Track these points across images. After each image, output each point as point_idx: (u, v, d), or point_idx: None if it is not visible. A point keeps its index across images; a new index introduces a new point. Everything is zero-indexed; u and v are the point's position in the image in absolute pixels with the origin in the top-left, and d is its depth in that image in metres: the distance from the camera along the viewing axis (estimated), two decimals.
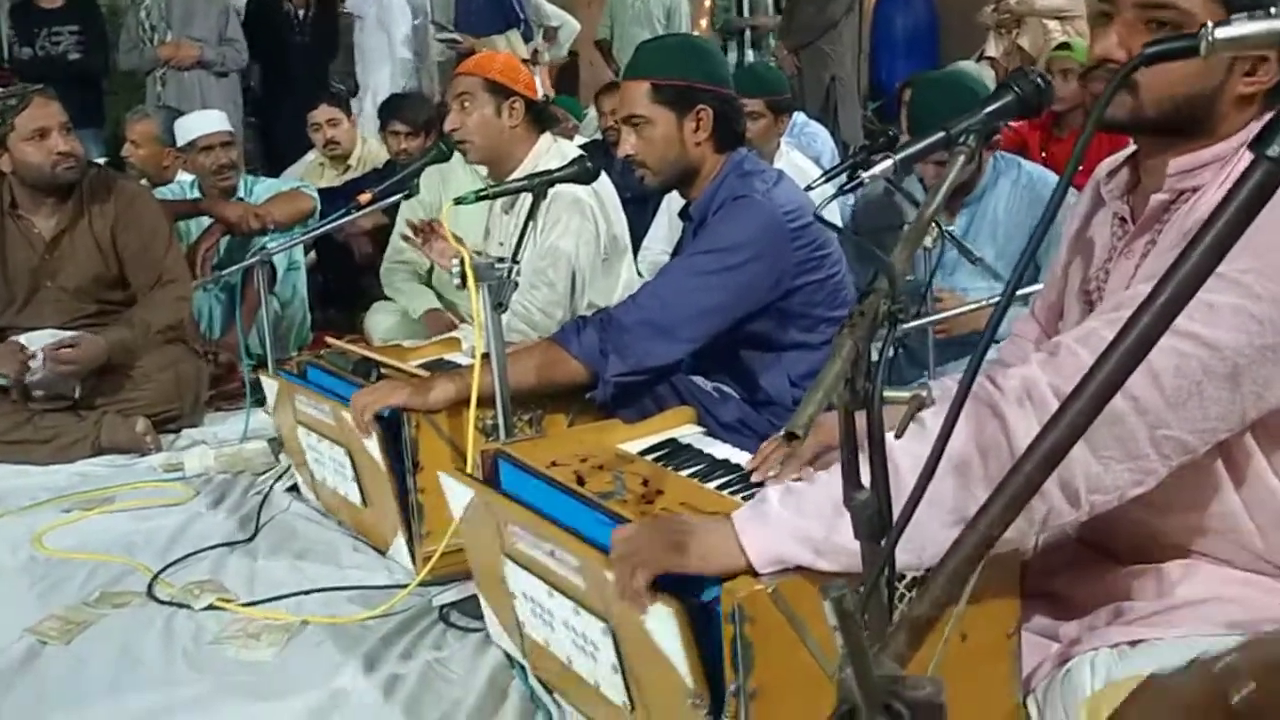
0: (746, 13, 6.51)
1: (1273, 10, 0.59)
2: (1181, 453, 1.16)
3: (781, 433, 1.67)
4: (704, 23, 7.10)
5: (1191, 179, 1.27)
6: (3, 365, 2.86)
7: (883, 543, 1.03)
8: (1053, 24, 6.09)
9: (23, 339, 2.95)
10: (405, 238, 3.11)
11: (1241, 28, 0.60)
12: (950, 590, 0.69)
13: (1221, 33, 0.61)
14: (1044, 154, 4.09)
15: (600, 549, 1.35)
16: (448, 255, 2.76)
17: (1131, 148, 1.41)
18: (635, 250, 3.34)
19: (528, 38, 6.31)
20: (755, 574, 1.23)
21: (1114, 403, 1.11)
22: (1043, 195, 2.67)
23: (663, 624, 1.25)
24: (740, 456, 1.75)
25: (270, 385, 2.48)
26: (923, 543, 1.16)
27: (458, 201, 2.10)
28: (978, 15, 6.41)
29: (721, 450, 1.78)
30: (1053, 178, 2.80)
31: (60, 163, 2.98)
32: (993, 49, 6.19)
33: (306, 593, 2.01)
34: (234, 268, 2.86)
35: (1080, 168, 0.99)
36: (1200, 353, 1.12)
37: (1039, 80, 1.32)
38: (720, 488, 1.63)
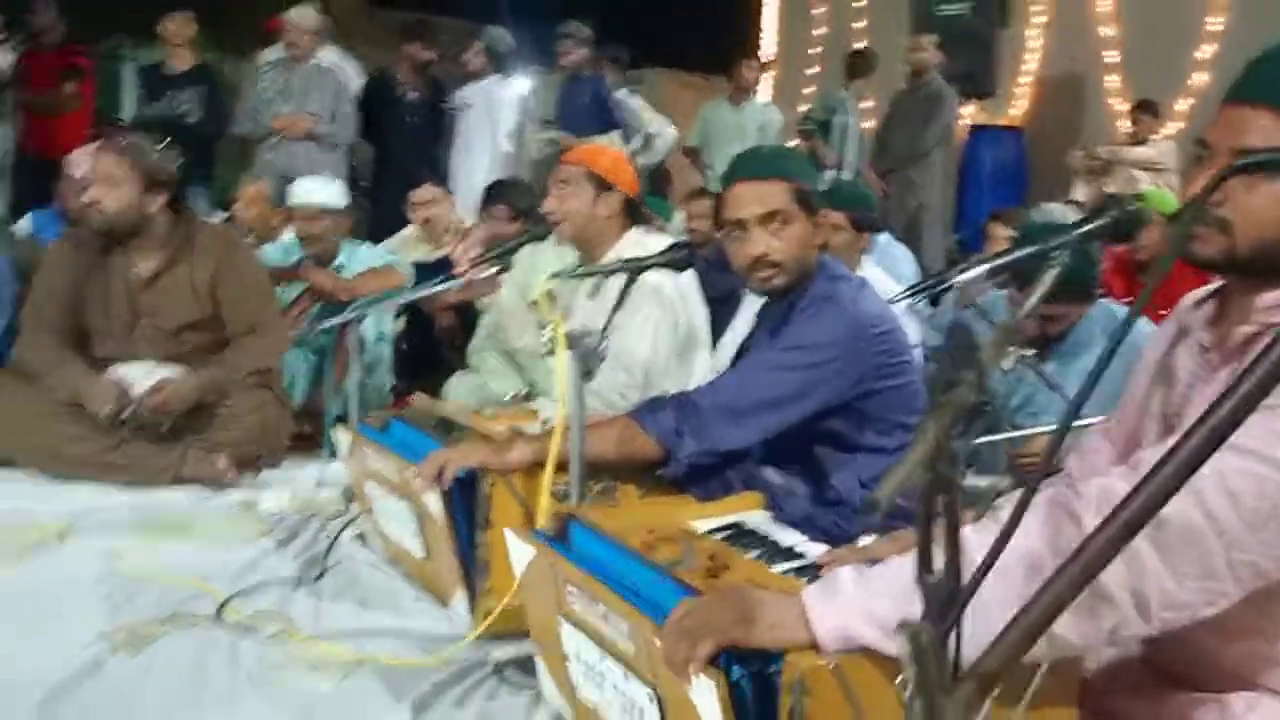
0: (836, 143, 6.70)
1: None
2: (1255, 577, 1.17)
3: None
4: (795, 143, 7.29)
5: (1279, 314, 1.31)
6: (105, 402, 2.99)
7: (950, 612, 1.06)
8: (1141, 174, 6.17)
9: (123, 370, 3.09)
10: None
11: None
12: (1019, 645, 0.72)
13: None
14: (1129, 299, 4.12)
15: (650, 617, 1.37)
16: (485, 286, 2.79)
17: (1218, 282, 1.45)
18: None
19: (626, 139, 6.54)
20: (819, 650, 1.25)
21: (1193, 521, 1.15)
22: (1135, 343, 2.67)
23: (706, 696, 1.25)
24: (806, 545, 1.78)
25: (342, 438, 2.56)
26: (992, 637, 1.18)
27: (554, 275, 2.20)
28: (1067, 158, 6.51)
29: (788, 538, 1.81)
30: (1147, 326, 2.81)
31: (85, 209, 3.16)
32: (1080, 193, 6.27)
33: (369, 634, 2.05)
34: (332, 321, 2.98)
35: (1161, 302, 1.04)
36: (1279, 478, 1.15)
37: (1132, 206, 1.39)
38: (785, 572, 1.65)
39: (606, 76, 6.60)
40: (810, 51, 9.24)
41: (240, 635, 2.02)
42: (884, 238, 4.87)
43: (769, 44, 9.71)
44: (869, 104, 7.34)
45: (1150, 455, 1.25)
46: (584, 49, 6.51)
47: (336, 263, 4.01)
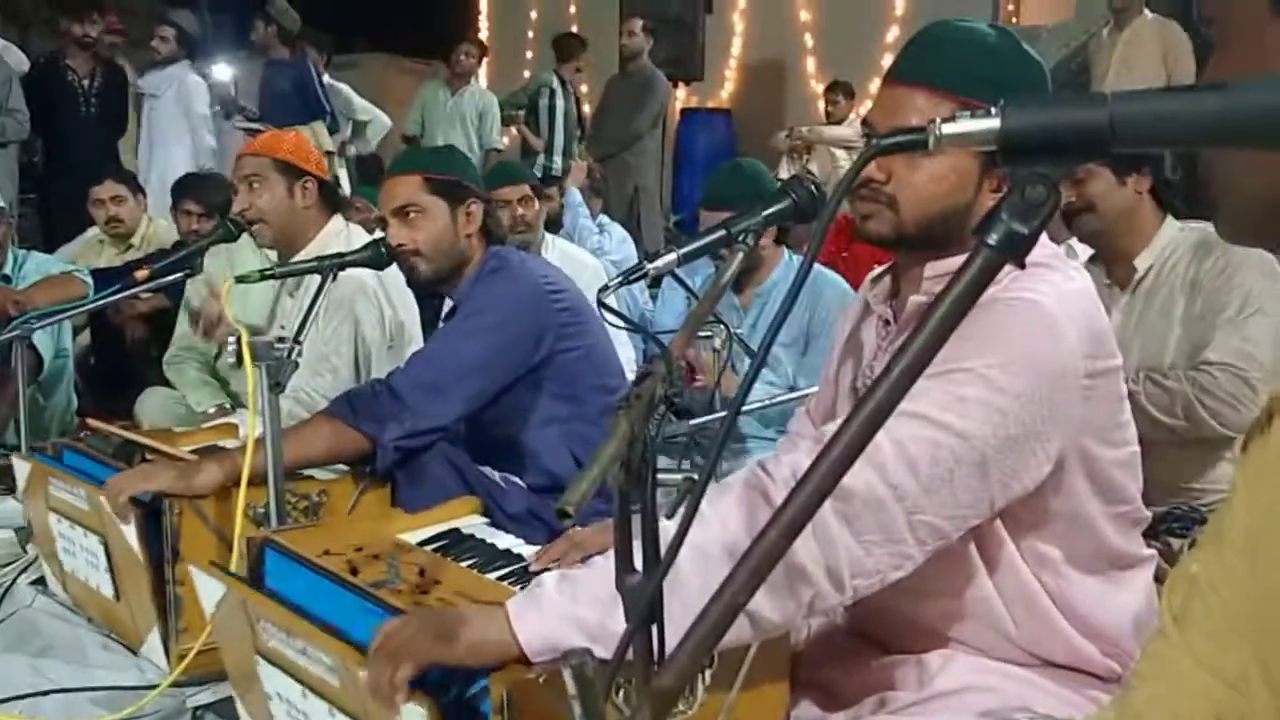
0: (544, 127, 6.73)
1: (992, 110, 0.64)
2: (936, 538, 1.21)
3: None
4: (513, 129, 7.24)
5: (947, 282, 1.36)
6: None
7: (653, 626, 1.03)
8: (840, 153, 6.54)
9: None
10: (193, 316, 2.97)
11: (965, 124, 0.65)
12: (695, 659, 0.68)
13: (948, 128, 0.65)
14: (845, 255, 4.34)
15: (358, 645, 1.28)
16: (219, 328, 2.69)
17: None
18: None
19: (333, 130, 6.26)
20: (528, 663, 1.20)
21: (877, 491, 1.17)
22: (821, 290, 2.83)
23: None
24: (523, 547, 1.72)
25: (21, 468, 2.28)
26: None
27: (240, 280, 2.03)
28: (771, 140, 6.81)
29: (504, 541, 1.75)
30: (831, 275, 2.98)
31: None
32: (784, 172, 6.57)
33: (44, 693, 1.83)
34: None
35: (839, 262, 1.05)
36: (952, 442, 1.19)
37: (813, 187, 1.41)
38: (501, 579, 1.59)
39: (312, 61, 6.28)
40: (528, 35, 9.21)
41: None
42: (604, 217, 4.98)
43: (485, 29, 9.60)
44: (584, 89, 7.39)
45: (833, 428, 1.28)
46: (270, 26, 6.18)
47: (3, 274, 3.57)
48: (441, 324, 2.40)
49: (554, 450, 2.21)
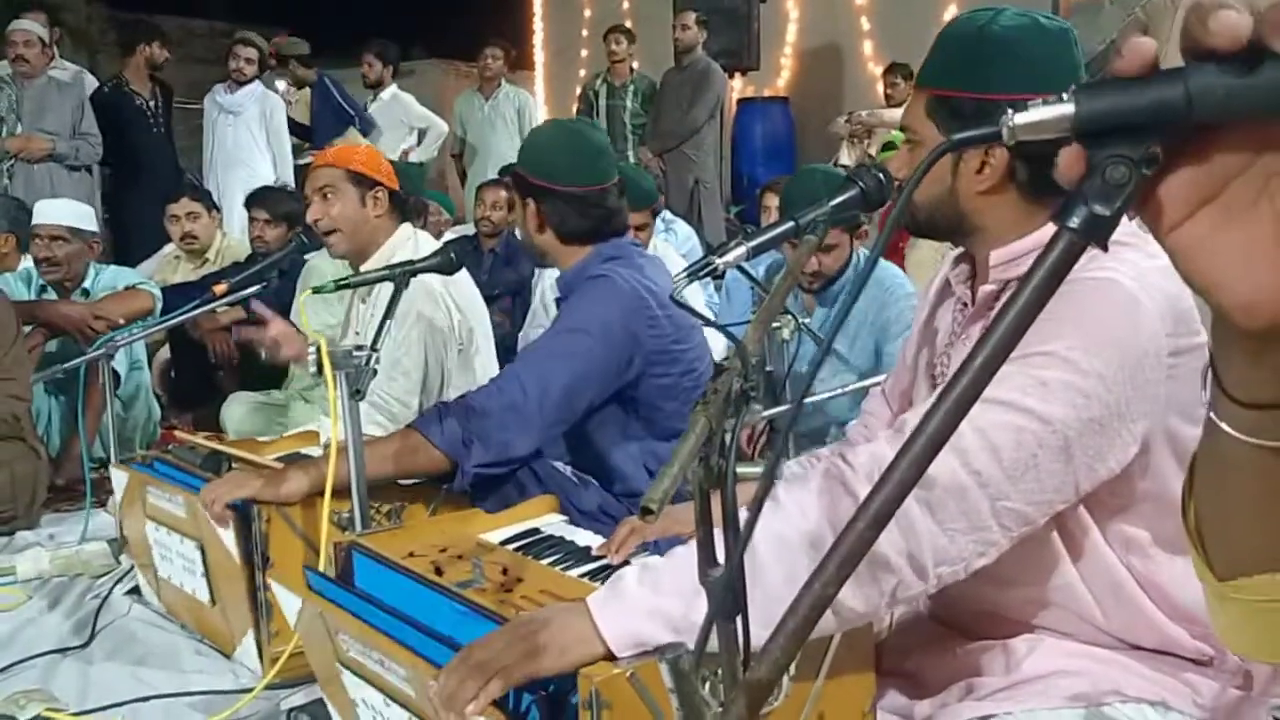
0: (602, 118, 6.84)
1: (1064, 96, 0.63)
2: (1021, 524, 1.20)
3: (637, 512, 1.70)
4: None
5: (1014, 269, 1.35)
6: None
7: (738, 617, 1.03)
8: (900, 135, 6.46)
9: None
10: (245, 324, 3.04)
11: (1037, 113, 0.64)
12: (788, 651, 0.68)
13: (1020, 119, 0.64)
14: (902, 245, 4.30)
15: (428, 657, 1.29)
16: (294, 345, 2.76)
17: None
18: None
19: (364, 132, 6.38)
20: (614, 658, 1.21)
21: (958, 476, 1.16)
22: (888, 289, 2.80)
23: None
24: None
25: (120, 477, 2.35)
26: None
27: (316, 290, 2.07)
28: (831, 125, 6.74)
29: (583, 538, 1.77)
30: (896, 273, 2.96)
31: None
32: (845, 157, 6.50)
33: (144, 699, 1.89)
34: (75, 362, 2.73)
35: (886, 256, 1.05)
36: (1035, 426, 1.17)
37: (880, 175, 1.40)
38: (582, 575, 1.61)
39: (324, 76, 6.62)
40: (582, 34, 9.23)
41: None
42: (666, 214, 5.00)
43: (539, 30, 9.65)
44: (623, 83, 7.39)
45: (912, 418, 1.27)
46: (290, 62, 6.63)
47: (83, 287, 3.68)
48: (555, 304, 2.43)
49: (625, 461, 2.22)
